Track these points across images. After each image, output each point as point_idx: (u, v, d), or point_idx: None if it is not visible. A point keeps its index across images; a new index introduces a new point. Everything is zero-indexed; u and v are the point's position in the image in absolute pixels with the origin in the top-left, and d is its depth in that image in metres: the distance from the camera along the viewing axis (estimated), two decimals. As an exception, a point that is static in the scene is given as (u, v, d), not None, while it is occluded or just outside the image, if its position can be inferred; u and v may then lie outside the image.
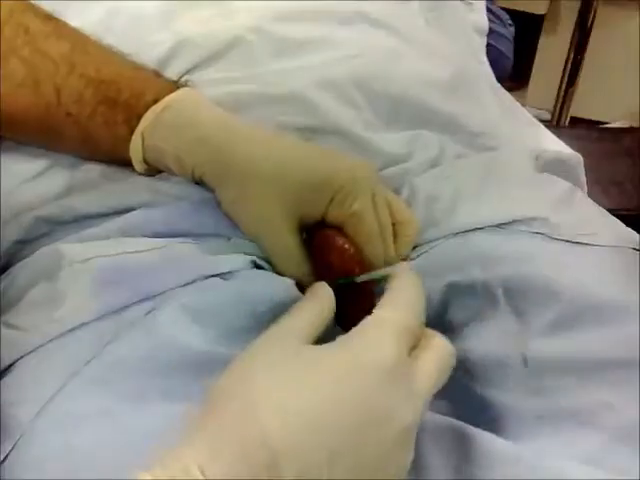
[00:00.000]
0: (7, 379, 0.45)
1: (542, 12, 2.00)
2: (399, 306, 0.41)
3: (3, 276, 0.53)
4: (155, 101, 0.55)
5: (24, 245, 0.54)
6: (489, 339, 0.50)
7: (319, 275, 0.50)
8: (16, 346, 0.45)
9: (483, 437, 0.44)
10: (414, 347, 0.40)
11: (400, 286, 0.43)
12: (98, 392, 0.42)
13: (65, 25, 0.59)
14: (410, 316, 0.40)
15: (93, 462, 0.38)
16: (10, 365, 0.46)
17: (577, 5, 1.76)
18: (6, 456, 0.41)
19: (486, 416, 0.48)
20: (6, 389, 0.44)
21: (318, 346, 0.38)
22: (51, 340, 0.44)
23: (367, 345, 0.38)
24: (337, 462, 0.34)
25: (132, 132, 0.55)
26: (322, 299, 0.44)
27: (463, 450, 0.44)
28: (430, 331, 0.42)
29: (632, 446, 0.44)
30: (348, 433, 0.35)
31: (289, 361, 0.37)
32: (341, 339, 0.39)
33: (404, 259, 0.55)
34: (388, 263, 0.52)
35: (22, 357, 0.45)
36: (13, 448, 0.41)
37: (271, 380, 0.36)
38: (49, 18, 0.59)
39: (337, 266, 0.49)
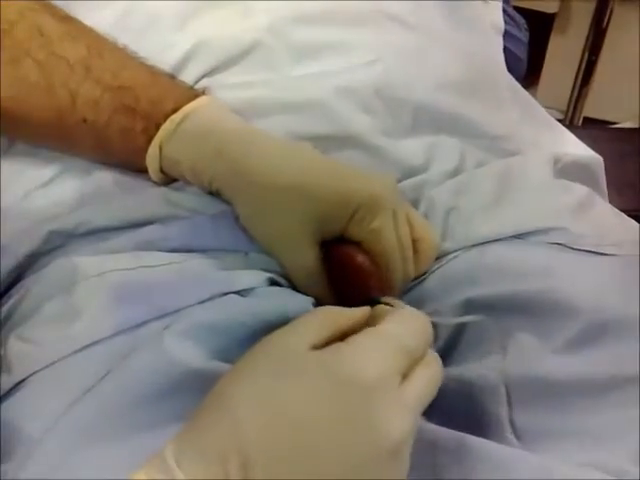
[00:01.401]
0: (19, 393, 0.45)
1: (553, 11, 1.98)
2: (402, 325, 0.40)
3: (16, 288, 0.53)
4: (174, 110, 0.54)
5: (37, 257, 0.54)
6: (508, 359, 0.48)
7: (337, 292, 0.50)
8: (30, 361, 0.45)
9: (487, 446, 0.43)
10: (409, 369, 0.38)
11: (409, 311, 0.42)
12: (106, 414, 0.42)
13: (81, 26, 0.58)
14: (411, 336, 0.39)
15: None
16: (23, 379, 0.45)
17: (590, 5, 1.75)
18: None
19: (500, 434, 0.47)
20: (18, 403, 0.44)
21: (312, 352, 0.37)
22: (66, 356, 0.44)
23: (360, 358, 0.37)
24: (317, 477, 0.34)
25: (149, 141, 0.54)
26: (334, 310, 0.42)
27: (462, 457, 0.43)
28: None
29: None
30: (330, 448, 0.34)
31: (278, 368, 0.36)
32: (336, 347, 0.37)
33: (423, 273, 0.54)
34: (407, 280, 0.51)
35: (36, 372, 0.44)
36: (20, 463, 0.41)
37: (255, 387, 0.36)
38: (65, 19, 0.58)
39: (356, 283, 0.48)
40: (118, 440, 0.41)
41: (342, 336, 0.39)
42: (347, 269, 0.49)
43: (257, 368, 0.37)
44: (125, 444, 0.41)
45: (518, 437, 0.46)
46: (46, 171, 0.59)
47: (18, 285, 0.53)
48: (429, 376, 0.39)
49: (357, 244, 0.50)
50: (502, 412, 0.46)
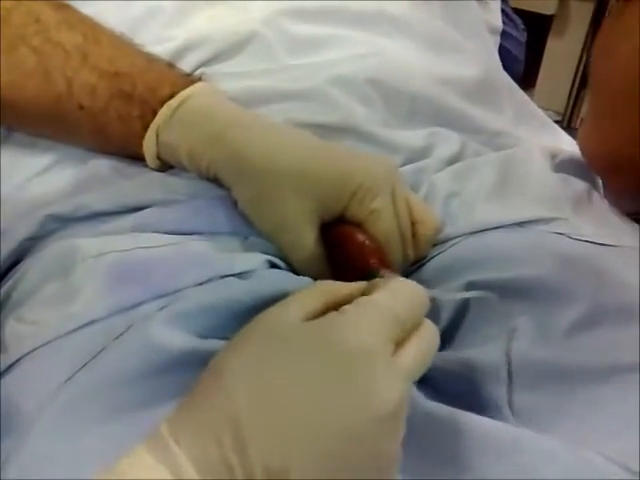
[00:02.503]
0: (16, 371, 0.44)
1: (551, 12, 1.98)
2: (395, 294, 0.39)
3: (14, 270, 0.52)
4: (170, 95, 0.54)
5: (35, 242, 0.53)
6: (510, 342, 0.48)
7: (338, 274, 0.50)
8: (27, 340, 0.44)
9: (478, 421, 0.43)
10: (402, 338, 0.38)
11: (403, 282, 0.42)
12: (100, 390, 0.42)
13: (77, 14, 0.59)
14: (403, 305, 0.39)
15: (90, 461, 0.37)
16: (20, 358, 0.44)
17: (587, 6, 1.75)
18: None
19: (499, 415, 0.46)
20: (15, 381, 0.44)
21: (304, 323, 0.37)
22: (62, 335, 0.44)
23: (351, 327, 0.36)
24: (313, 446, 0.33)
25: (146, 127, 0.54)
26: (329, 283, 0.42)
27: (457, 435, 0.43)
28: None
29: None
30: (325, 416, 0.34)
31: (270, 339, 0.36)
32: (328, 317, 0.37)
33: (423, 258, 0.54)
34: (406, 262, 0.50)
35: (33, 350, 0.44)
36: (17, 439, 0.40)
37: (246, 358, 0.35)
38: (61, 6, 0.58)
39: (357, 262, 0.48)
40: (114, 416, 0.41)
41: (337, 308, 0.39)
42: (347, 249, 0.49)
43: (248, 341, 0.37)
44: (121, 420, 0.40)
45: (517, 419, 0.45)
46: (43, 159, 0.60)
47: (16, 268, 0.52)
48: (423, 345, 0.39)
49: (357, 225, 0.50)
50: (501, 393, 0.46)
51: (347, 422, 0.34)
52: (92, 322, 0.44)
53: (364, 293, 0.41)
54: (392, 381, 0.35)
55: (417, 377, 0.38)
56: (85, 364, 0.42)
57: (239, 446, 0.33)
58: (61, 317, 0.45)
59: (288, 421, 0.33)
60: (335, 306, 0.39)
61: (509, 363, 0.46)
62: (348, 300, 0.39)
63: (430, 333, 0.40)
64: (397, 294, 0.39)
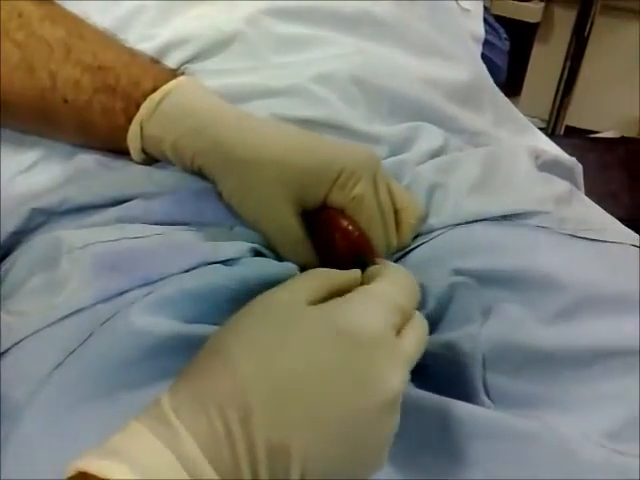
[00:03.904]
0: (4, 362, 0.44)
1: (536, 20, 2.00)
2: (394, 284, 0.40)
3: (2, 264, 0.53)
4: (154, 89, 0.54)
5: (22, 236, 0.53)
6: (493, 326, 0.49)
7: (322, 258, 0.50)
8: (15, 330, 0.45)
9: (465, 408, 0.44)
10: (401, 326, 0.39)
11: (397, 269, 0.43)
12: (89, 375, 0.42)
13: (60, 9, 0.59)
14: (402, 295, 0.40)
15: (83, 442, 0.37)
16: (9, 349, 0.45)
17: (572, 14, 1.77)
18: None
19: (475, 397, 0.47)
20: (3, 372, 0.44)
21: (312, 307, 0.37)
22: (49, 325, 0.44)
23: (358, 313, 0.37)
24: (315, 426, 0.34)
25: (130, 120, 0.54)
26: (328, 270, 0.43)
27: (445, 421, 0.43)
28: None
29: (635, 436, 0.44)
30: (330, 398, 0.34)
31: (276, 321, 0.37)
32: (334, 303, 0.38)
33: (406, 246, 0.55)
34: (389, 248, 0.51)
35: (21, 341, 0.44)
36: (8, 428, 0.40)
37: (255, 337, 0.36)
38: (43, 2, 0.58)
39: (341, 246, 0.49)
40: (103, 399, 0.41)
41: (337, 295, 0.39)
42: (331, 234, 0.49)
43: (256, 320, 0.37)
44: (110, 403, 0.41)
45: (493, 400, 0.46)
46: (30, 155, 0.60)
47: (3, 262, 0.53)
48: (418, 334, 0.40)
49: (340, 211, 0.50)
50: (476, 375, 0.46)
51: (352, 405, 0.34)
52: (79, 310, 0.44)
53: (362, 281, 0.42)
54: (396, 367, 0.36)
55: (414, 364, 0.39)
56: (73, 351, 0.42)
57: (243, 420, 0.33)
58: (47, 307, 0.45)
59: (293, 400, 0.34)
60: (337, 293, 0.40)
61: (484, 345, 0.47)
62: (346, 287, 0.40)
63: (422, 321, 0.41)
64: (396, 283, 0.40)
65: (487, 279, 0.51)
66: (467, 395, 0.46)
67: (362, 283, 0.42)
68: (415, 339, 0.39)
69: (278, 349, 0.35)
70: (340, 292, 0.40)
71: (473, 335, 0.47)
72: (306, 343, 0.35)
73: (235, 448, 0.32)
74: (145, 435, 0.33)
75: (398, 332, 0.38)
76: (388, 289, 0.39)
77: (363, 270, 0.45)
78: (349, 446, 0.35)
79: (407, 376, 0.37)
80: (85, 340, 0.42)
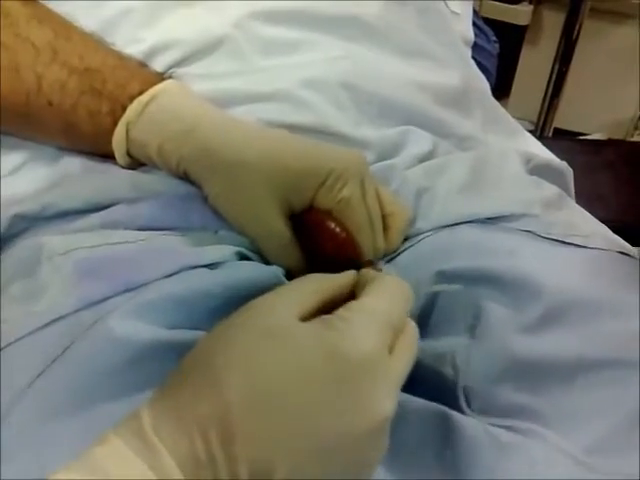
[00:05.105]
0: None
1: (525, 23, 2.00)
2: (387, 299, 0.39)
3: None
4: (140, 92, 0.54)
5: (4, 242, 0.53)
6: (476, 335, 0.48)
7: (309, 260, 0.50)
8: None
9: (466, 422, 0.43)
10: (393, 341, 0.38)
11: (391, 280, 0.42)
12: (69, 385, 0.41)
13: (46, 10, 0.58)
14: (395, 310, 0.39)
15: (61, 454, 0.37)
16: None
17: (560, 17, 1.77)
18: None
19: (456, 404, 0.47)
20: None
21: (302, 324, 0.36)
22: (30, 333, 0.43)
23: (350, 334, 0.36)
24: (301, 447, 0.33)
25: (116, 123, 0.54)
26: (319, 277, 0.42)
27: (446, 435, 0.43)
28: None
29: (617, 450, 0.44)
30: (318, 420, 0.33)
31: (266, 336, 0.35)
32: (324, 320, 0.37)
33: (394, 251, 0.55)
34: (377, 252, 0.51)
35: (1, 350, 0.43)
36: None
37: (241, 353, 0.34)
38: (30, 3, 0.57)
39: (328, 248, 0.48)
40: (83, 410, 0.40)
41: (330, 304, 0.39)
42: (318, 236, 0.49)
43: (243, 334, 0.36)
44: (90, 413, 0.40)
45: (475, 409, 0.46)
46: (14, 157, 0.59)
47: None
48: (410, 346, 0.39)
49: (328, 213, 0.50)
50: (457, 383, 0.46)
51: (340, 428, 0.34)
52: (60, 318, 0.43)
53: (354, 287, 0.41)
54: (388, 390, 0.36)
55: (405, 380, 0.38)
56: (55, 359, 0.42)
57: (226, 442, 0.32)
58: (28, 314, 0.44)
59: (280, 421, 0.33)
60: (328, 302, 0.39)
61: (469, 354, 0.47)
62: (339, 296, 0.40)
63: (412, 331, 0.40)
64: (390, 297, 0.40)
65: (470, 278, 0.51)
66: (447, 403, 0.45)
67: (355, 287, 0.41)
68: (407, 355, 0.38)
69: (265, 367, 0.34)
70: (333, 301, 0.39)
71: (456, 344, 0.47)
72: (295, 362, 0.34)
73: (217, 471, 0.32)
74: (122, 450, 0.32)
75: (390, 349, 0.37)
76: (382, 306, 0.39)
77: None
78: (335, 468, 0.34)
79: (397, 397, 0.36)
80: (66, 349, 0.42)
